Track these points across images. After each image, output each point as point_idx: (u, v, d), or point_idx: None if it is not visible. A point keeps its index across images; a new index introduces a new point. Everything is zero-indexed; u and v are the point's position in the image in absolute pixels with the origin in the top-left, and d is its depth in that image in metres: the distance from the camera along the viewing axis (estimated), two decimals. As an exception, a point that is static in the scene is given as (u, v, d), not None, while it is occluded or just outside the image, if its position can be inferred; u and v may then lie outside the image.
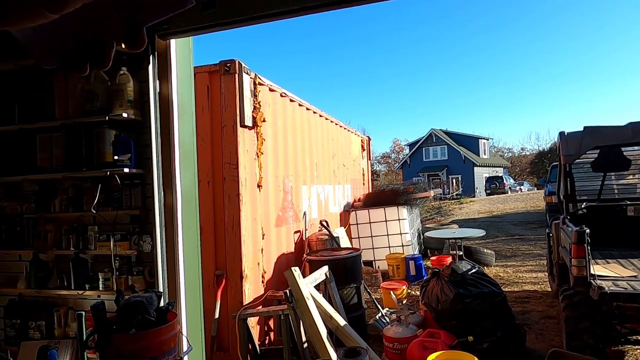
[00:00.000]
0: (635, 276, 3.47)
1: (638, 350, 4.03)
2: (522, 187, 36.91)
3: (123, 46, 2.50)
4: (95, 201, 2.87)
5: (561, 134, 4.58)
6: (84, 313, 2.47)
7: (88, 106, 2.86)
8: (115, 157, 2.79)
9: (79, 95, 2.91)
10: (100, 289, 2.95)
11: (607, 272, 3.61)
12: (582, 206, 5.00)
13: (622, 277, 3.48)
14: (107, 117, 2.77)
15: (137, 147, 2.85)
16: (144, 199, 2.90)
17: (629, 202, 4.82)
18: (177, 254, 2.84)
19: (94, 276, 3.02)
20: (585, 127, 4.38)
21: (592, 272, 3.31)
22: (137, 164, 2.84)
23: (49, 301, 3.15)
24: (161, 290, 2.60)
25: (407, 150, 46.09)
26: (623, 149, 4.62)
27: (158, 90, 2.82)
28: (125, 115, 2.76)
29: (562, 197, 4.85)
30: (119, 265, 2.93)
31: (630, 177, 6.30)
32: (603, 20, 71.91)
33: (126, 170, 2.77)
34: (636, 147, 4.74)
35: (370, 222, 7.95)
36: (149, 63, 2.78)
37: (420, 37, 78.16)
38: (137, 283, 2.86)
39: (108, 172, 2.77)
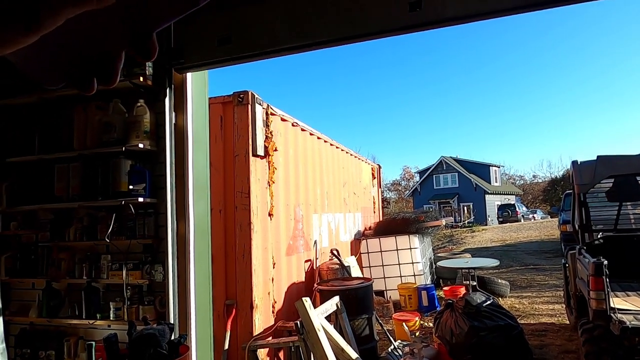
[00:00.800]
0: (657, 310, 3.36)
1: (664, 389, 3.85)
2: (535, 215, 36.32)
3: (141, 79, 2.56)
4: (109, 230, 2.90)
5: (574, 163, 4.55)
6: (94, 343, 2.46)
7: (105, 137, 2.94)
8: (130, 187, 2.85)
9: (97, 126, 3.00)
10: (111, 318, 2.94)
11: (627, 305, 3.51)
12: (599, 236, 4.90)
13: (644, 310, 3.37)
14: (123, 148, 2.84)
15: (151, 177, 2.90)
16: (157, 228, 2.92)
17: (646, 233, 4.72)
18: (189, 284, 2.84)
19: (105, 305, 3.01)
20: (598, 157, 4.35)
21: (612, 305, 3.21)
22: (151, 194, 2.88)
23: (60, 330, 3.15)
24: (173, 323, 2.58)
25: (417, 178, 45.94)
26: (639, 178, 4.56)
27: (174, 122, 2.89)
28: (141, 145, 2.83)
29: (577, 227, 4.76)
30: (130, 294, 2.93)
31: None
32: (615, 45, 72.33)
33: (140, 199, 2.81)
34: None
35: (381, 251, 7.87)
36: (166, 95, 2.86)
37: (428, 64, 79.23)
38: (148, 313, 2.85)
39: (123, 202, 2.82)
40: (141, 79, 2.80)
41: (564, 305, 5.95)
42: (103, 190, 2.98)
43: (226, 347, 4.00)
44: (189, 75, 2.90)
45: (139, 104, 2.89)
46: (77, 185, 3.05)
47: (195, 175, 2.93)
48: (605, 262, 3.26)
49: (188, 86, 2.91)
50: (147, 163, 2.96)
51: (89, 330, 3.07)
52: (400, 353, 4.67)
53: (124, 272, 2.91)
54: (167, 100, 2.86)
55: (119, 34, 0.50)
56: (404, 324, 5.35)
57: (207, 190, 3.12)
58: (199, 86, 3.03)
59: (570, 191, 5.70)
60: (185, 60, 2.80)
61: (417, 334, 5.39)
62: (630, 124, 73.39)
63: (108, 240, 2.92)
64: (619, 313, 3.22)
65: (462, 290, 6.58)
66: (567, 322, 5.82)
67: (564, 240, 11.41)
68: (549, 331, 5.77)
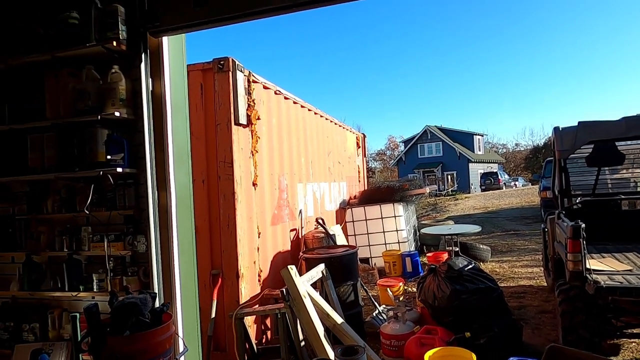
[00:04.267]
0: (630, 270, 3.49)
1: (633, 344, 4.05)
2: (516, 183, 37.08)
3: (114, 44, 2.46)
4: (89, 201, 2.84)
5: (556, 129, 4.59)
6: (78, 315, 2.44)
7: (80, 105, 2.83)
8: (108, 157, 2.76)
9: (70, 94, 2.87)
10: (95, 290, 2.92)
11: (602, 266, 3.63)
12: (577, 201, 5.01)
13: (618, 271, 3.49)
14: (99, 117, 2.73)
15: (130, 147, 2.82)
16: (138, 199, 2.87)
17: (623, 197, 4.84)
18: (172, 254, 2.82)
19: (87, 277, 2.99)
20: (579, 123, 4.39)
21: (587, 266, 3.31)
22: (130, 164, 2.81)
23: (43, 303, 3.12)
24: (155, 291, 2.57)
25: (402, 147, 46.19)
26: (617, 143, 4.64)
27: (151, 89, 2.79)
28: (117, 114, 2.73)
29: (557, 192, 4.86)
30: (113, 266, 2.90)
31: (624, 171, 6.33)
32: (598, 21, 72.37)
33: (119, 169, 2.74)
34: (630, 142, 4.76)
35: (366, 220, 7.95)
36: (141, 61, 2.75)
37: (415, 40, 78.08)
38: (132, 284, 2.83)
39: (101, 172, 2.74)
40: (114, 43, 2.67)
41: (542, 268, 6.15)
42: (80, 161, 2.88)
43: (213, 315, 4.03)
44: (164, 39, 2.78)
45: (113, 71, 2.76)
46: (52, 156, 2.95)
47: (175, 145, 2.86)
48: (583, 225, 3.34)
49: (164, 51, 2.80)
50: (124, 132, 2.87)
51: (73, 302, 3.05)
52: (385, 317, 4.80)
53: (106, 243, 2.86)
54: (142, 66, 2.74)
55: None
56: (388, 289, 5.47)
57: (188, 159, 3.05)
58: (176, 51, 2.91)
59: (551, 158, 5.79)
60: (160, 23, 2.67)
61: (401, 298, 5.53)
62: (612, 93, 74.49)
63: (87, 212, 2.86)
64: (594, 274, 3.33)
65: (445, 256, 6.73)
66: (545, 284, 6.03)
67: (544, 206, 11.70)
68: (528, 293, 5.98)
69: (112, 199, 2.91)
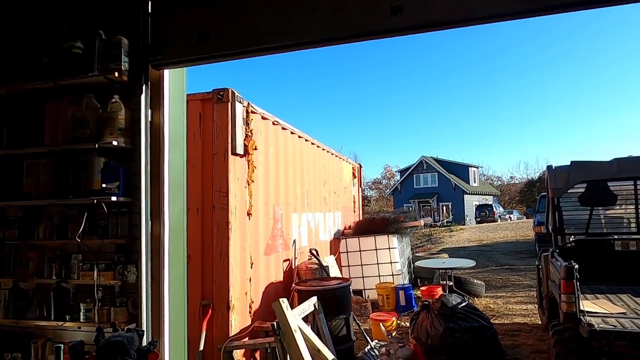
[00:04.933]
0: (624, 313, 3.47)
1: (629, 388, 3.98)
2: (511, 216, 37.14)
3: (116, 75, 2.50)
4: (81, 229, 2.82)
5: (549, 167, 4.65)
6: (62, 346, 2.39)
7: (78, 133, 2.84)
8: (103, 185, 2.76)
9: (69, 121, 2.90)
10: (81, 320, 2.85)
11: (596, 308, 3.61)
12: (571, 239, 5.02)
13: (612, 313, 3.47)
14: (96, 145, 2.75)
15: (126, 176, 2.82)
16: (131, 228, 2.85)
17: (616, 237, 4.86)
18: (163, 285, 2.78)
19: (75, 306, 2.92)
20: (572, 162, 4.45)
21: (581, 308, 3.29)
22: (125, 192, 2.80)
23: (27, 332, 3.04)
24: (143, 329, 2.52)
25: (398, 177, 46.37)
26: (609, 183, 4.69)
27: (149, 119, 2.82)
28: (115, 143, 2.75)
29: (550, 230, 4.87)
30: (102, 295, 2.84)
31: (618, 207, 6.36)
32: (591, 54, 74.41)
33: (114, 198, 2.74)
34: (622, 182, 4.82)
35: (360, 251, 7.90)
36: (142, 92, 2.79)
37: (412, 69, 79.64)
38: (120, 314, 2.78)
39: (95, 200, 2.73)
40: (116, 74, 2.72)
41: (537, 306, 6.09)
42: (75, 188, 2.88)
43: (201, 348, 3.94)
44: (166, 72, 2.83)
45: (113, 100, 2.80)
46: (47, 182, 2.94)
47: (171, 175, 2.87)
48: (576, 266, 3.34)
49: (165, 83, 2.84)
50: (121, 161, 2.88)
51: (58, 332, 2.97)
52: (377, 353, 4.70)
53: (96, 272, 2.82)
54: (142, 96, 2.78)
55: None
56: (381, 324, 5.38)
57: (183, 190, 3.05)
58: (177, 83, 2.96)
59: (545, 193, 5.83)
60: (162, 56, 2.73)
61: (393, 334, 5.44)
62: (601, 129, 75.85)
63: (79, 240, 2.83)
64: (587, 316, 3.30)
65: (439, 290, 6.67)
66: (539, 322, 5.96)
67: (538, 241, 11.69)
68: (522, 331, 5.90)
69: (105, 227, 2.89)
